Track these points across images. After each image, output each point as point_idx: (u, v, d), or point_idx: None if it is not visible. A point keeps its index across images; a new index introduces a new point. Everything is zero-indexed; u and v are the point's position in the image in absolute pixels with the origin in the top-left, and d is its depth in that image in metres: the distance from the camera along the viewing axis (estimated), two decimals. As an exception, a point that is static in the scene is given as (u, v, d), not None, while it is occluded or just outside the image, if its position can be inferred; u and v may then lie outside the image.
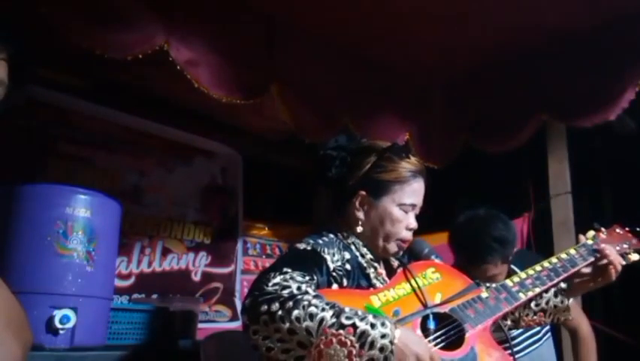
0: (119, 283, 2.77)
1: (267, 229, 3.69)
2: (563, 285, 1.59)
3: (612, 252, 1.54)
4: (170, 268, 3.11)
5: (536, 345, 2.11)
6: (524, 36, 2.62)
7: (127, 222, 2.75)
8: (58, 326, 1.63)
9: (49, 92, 2.72)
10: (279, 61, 2.48)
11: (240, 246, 3.48)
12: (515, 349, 1.92)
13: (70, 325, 1.65)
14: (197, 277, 3.22)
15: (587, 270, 1.56)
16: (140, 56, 2.05)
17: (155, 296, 2.90)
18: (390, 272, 1.49)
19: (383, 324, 1.12)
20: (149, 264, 3.02)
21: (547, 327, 2.16)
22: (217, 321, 3.23)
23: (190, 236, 3.24)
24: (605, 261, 1.53)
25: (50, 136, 2.74)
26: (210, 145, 3.44)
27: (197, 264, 3.24)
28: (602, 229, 1.67)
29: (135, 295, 2.87)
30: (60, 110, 2.79)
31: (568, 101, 2.58)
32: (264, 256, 3.62)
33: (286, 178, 3.78)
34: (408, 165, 1.46)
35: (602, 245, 1.57)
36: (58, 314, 1.63)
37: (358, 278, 1.38)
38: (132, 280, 2.92)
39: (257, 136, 3.55)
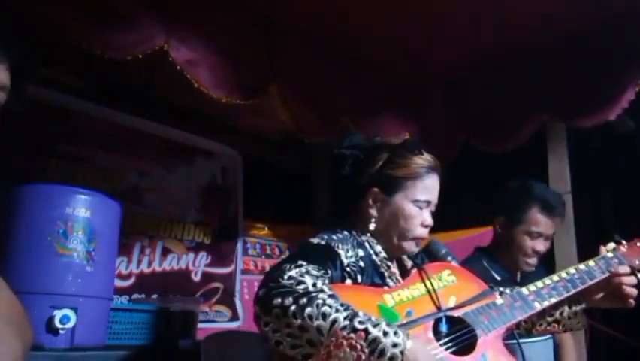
0: (119, 283, 2.76)
1: (267, 229, 3.68)
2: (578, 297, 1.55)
3: (625, 271, 1.51)
4: (170, 268, 3.10)
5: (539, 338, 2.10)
6: (524, 36, 2.62)
7: (127, 222, 2.74)
8: (58, 326, 1.62)
9: (49, 92, 2.71)
10: (279, 61, 2.49)
11: (239, 246, 3.47)
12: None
13: (70, 325, 1.64)
14: (197, 277, 3.22)
15: (602, 287, 1.53)
16: (140, 56, 2.05)
17: (155, 296, 2.90)
18: (404, 272, 1.47)
19: (396, 333, 1.10)
20: (149, 264, 3.01)
21: None
22: (217, 321, 3.23)
23: (190, 236, 3.23)
24: (616, 280, 1.51)
25: (50, 136, 2.74)
26: (210, 145, 3.44)
27: (197, 264, 3.23)
28: (623, 242, 1.63)
29: (135, 296, 2.87)
30: (60, 110, 2.79)
31: (568, 101, 2.58)
32: (263, 256, 3.61)
33: (286, 178, 3.78)
34: (421, 160, 1.45)
35: (617, 266, 1.52)
36: (58, 314, 1.62)
37: (372, 276, 1.36)
38: (132, 280, 2.92)
39: (257, 136, 3.56)
